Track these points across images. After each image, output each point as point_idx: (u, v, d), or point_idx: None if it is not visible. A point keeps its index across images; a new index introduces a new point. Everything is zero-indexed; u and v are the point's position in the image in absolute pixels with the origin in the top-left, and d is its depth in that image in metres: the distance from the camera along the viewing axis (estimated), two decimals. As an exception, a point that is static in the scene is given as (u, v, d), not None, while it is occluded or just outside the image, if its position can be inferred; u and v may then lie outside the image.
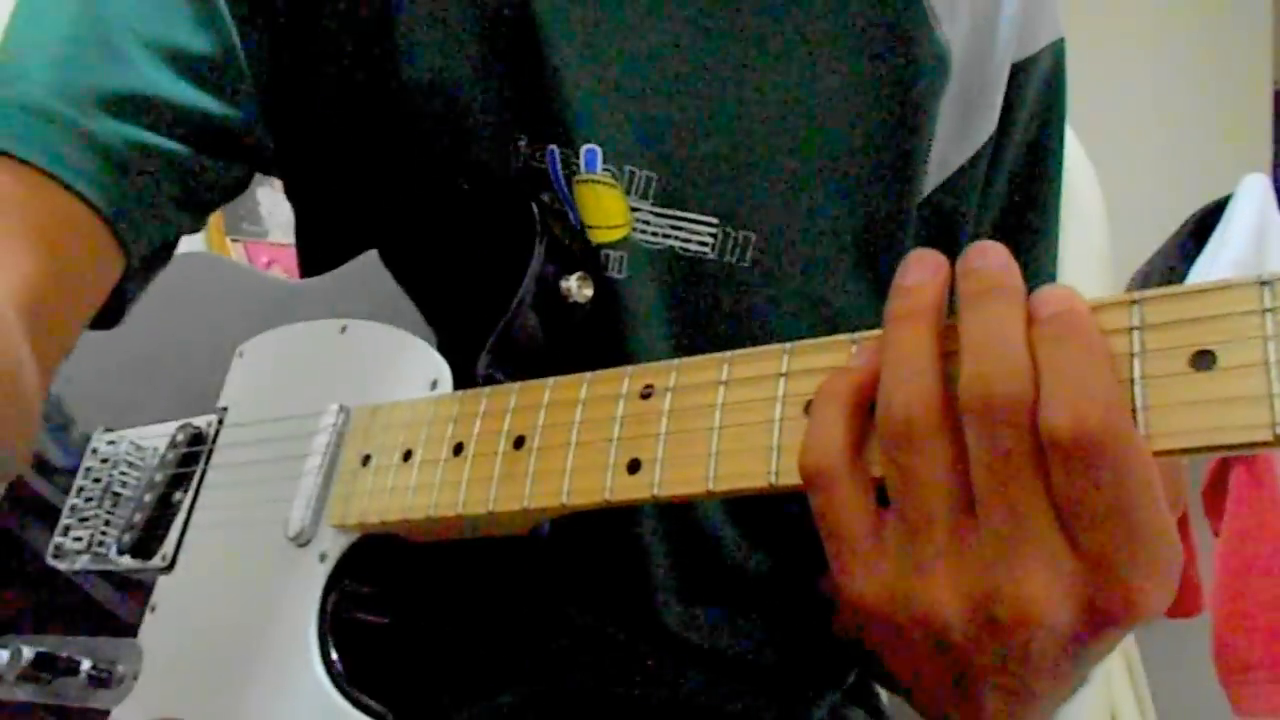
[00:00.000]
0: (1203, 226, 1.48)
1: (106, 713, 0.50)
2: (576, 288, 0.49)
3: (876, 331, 0.35)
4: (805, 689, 0.57)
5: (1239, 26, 2.90)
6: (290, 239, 0.62)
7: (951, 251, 0.54)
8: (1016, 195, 0.57)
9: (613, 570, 0.51)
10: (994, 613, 0.30)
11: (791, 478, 0.35)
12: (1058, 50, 0.57)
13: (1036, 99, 0.57)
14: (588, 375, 0.41)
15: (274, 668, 0.46)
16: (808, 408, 0.35)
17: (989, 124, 0.55)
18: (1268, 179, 1.46)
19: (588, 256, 0.51)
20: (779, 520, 0.54)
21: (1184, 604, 1.19)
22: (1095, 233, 0.97)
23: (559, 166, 0.51)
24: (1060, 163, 0.59)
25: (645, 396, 0.39)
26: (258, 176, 0.57)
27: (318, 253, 0.60)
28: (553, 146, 0.51)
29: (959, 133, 0.54)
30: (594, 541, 0.50)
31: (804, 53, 0.52)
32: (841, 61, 0.52)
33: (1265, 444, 0.28)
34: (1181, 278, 1.43)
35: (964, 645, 0.31)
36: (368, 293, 0.54)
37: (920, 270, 0.33)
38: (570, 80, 0.50)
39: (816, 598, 0.54)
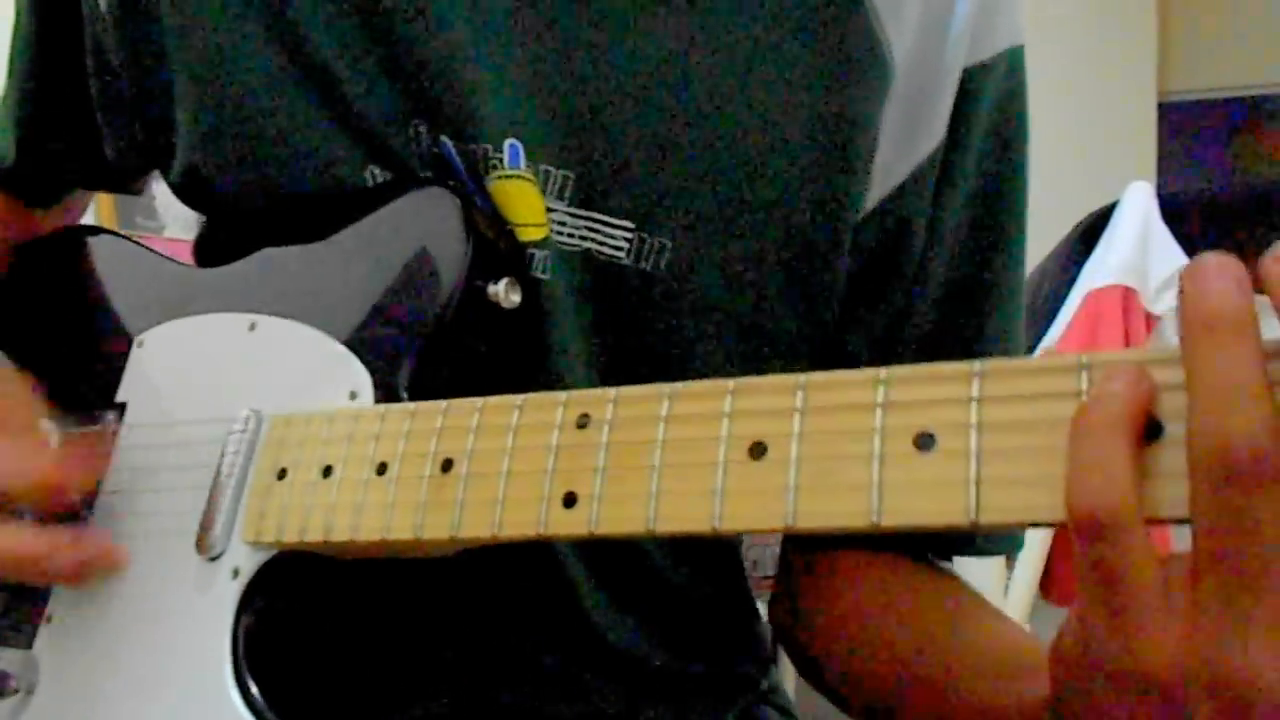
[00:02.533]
0: (1091, 231, 1.55)
1: (-2, 728, 0.48)
2: (505, 293, 0.46)
3: (822, 375, 0.34)
4: (721, 696, 0.57)
5: (1126, 44, 3.00)
6: (186, 234, 0.58)
7: (901, 266, 0.52)
8: (974, 238, 0.52)
9: (532, 583, 0.50)
10: None
11: (735, 523, 0.34)
12: (1015, 57, 0.52)
13: (994, 112, 0.52)
14: (519, 399, 0.40)
15: (184, 688, 0.44)
16: (753, 450, 0.34)
17: (937, 131, 0.51)
18: (1151, 186, 1.52)
19: (514, 254, 0.49)
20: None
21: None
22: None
23: (475, 160, 0.48)
24: (1024, 196, 0.53)
25: (581, 426, 0.38)
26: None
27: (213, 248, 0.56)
28: (444, 139, 0.48)
29: (905, 140, 0.50)
30: (513, 555, 0.48)
31: (733, 52, 0.48)
32: (774, 63, 0.49)
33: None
34: (1071, 280, 1.51)
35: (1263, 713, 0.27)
36: (275, 286, 0.51)
37: (1223, 279, 0.27)
38: (469, 68, 0.47)
39: (735, 605, 0.54)
